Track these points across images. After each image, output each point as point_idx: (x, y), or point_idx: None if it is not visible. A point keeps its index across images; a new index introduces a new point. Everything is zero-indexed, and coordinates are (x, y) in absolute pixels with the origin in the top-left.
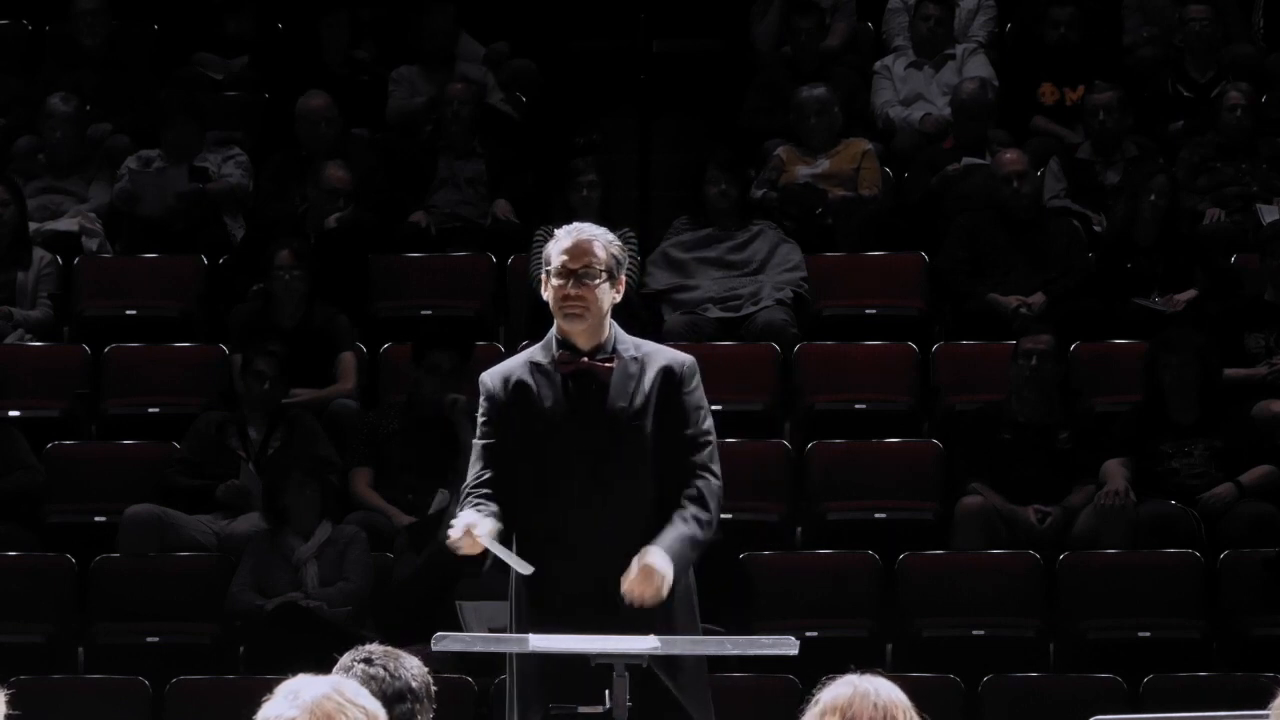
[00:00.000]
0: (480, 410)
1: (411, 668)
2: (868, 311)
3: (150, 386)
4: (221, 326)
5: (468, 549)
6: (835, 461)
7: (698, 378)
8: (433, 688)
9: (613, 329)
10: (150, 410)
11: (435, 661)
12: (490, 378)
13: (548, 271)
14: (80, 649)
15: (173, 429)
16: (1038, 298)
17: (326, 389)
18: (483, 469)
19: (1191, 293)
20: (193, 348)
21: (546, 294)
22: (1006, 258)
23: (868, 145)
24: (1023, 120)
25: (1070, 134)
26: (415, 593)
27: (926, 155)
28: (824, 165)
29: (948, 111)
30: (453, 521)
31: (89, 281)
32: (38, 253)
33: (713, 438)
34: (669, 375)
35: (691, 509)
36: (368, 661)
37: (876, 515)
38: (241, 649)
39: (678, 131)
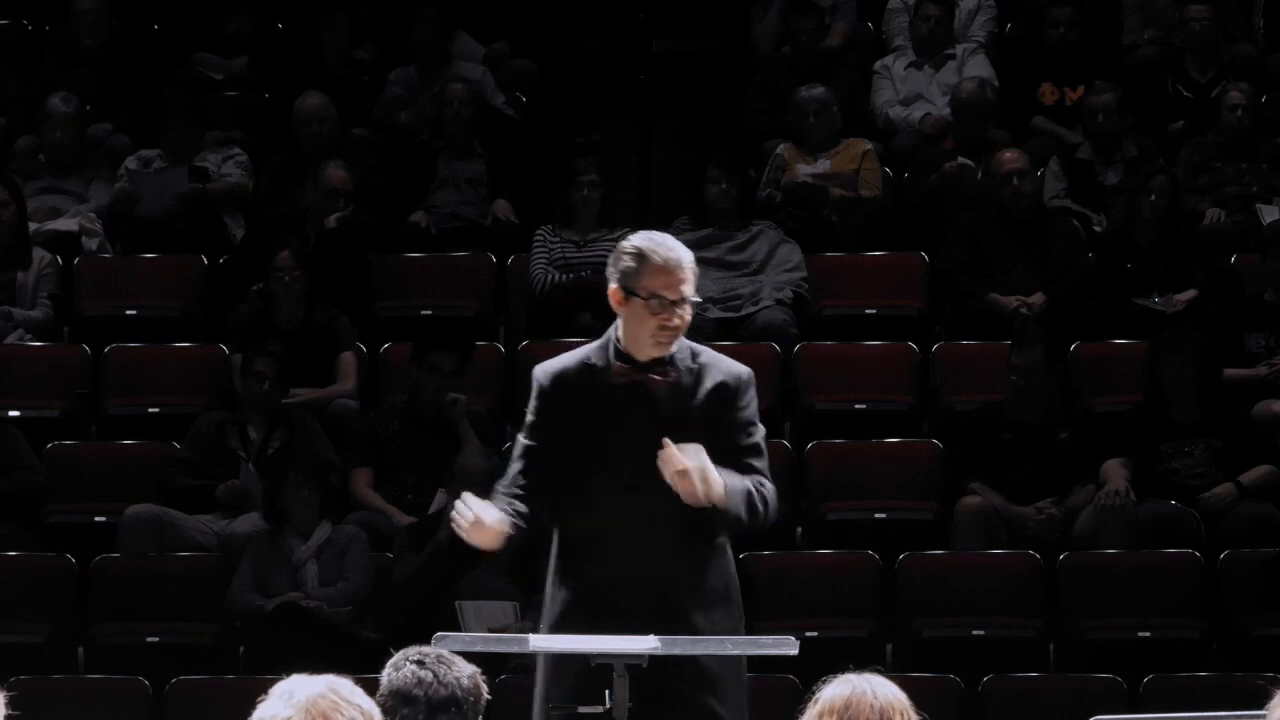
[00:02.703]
0: (530, 407)
1: (463, 674)
2: (868, 311)
3: (150, 386)
4: (221, 326)
5: (476, 539)
6: (835, 461)
7: (752, 391)
8: (484, 692)
9: None
10: (150, 410)
11: None
12: (544, 374)
13: (644, 295)
14: (80, 649)
15: (173, 429)
16: (1038, 298)
17: (326, 389)
18: (520, 471)
19: (1191, 293)
20: (193, 348)
21: (624, 308)
22: (1006, 258)
23: (868, 145)
24: (1023, 120)
25: (1070, 134)
26: (415, 593)
27: (926, 155)
28: (825, 165)
29: (948, 111)
30: (461, 509)
31: (89, 281)
32: (38, 253)
33: (764, 451)
34: (722, 390)
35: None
36: (420, 663)
37: (876, 515)
38: (241, 649)
39: (678, 131)
